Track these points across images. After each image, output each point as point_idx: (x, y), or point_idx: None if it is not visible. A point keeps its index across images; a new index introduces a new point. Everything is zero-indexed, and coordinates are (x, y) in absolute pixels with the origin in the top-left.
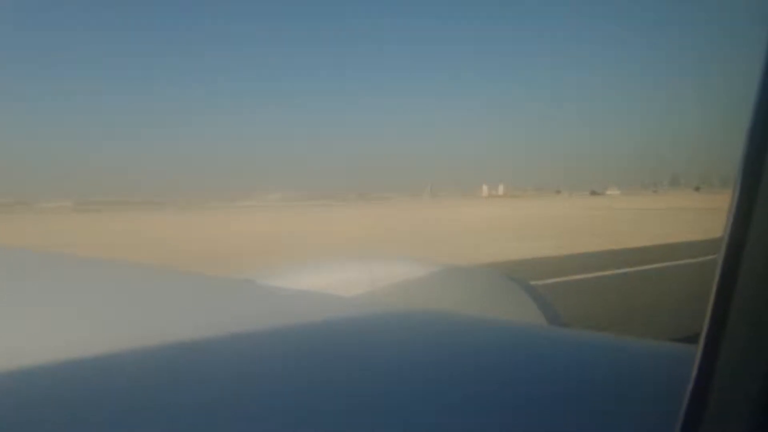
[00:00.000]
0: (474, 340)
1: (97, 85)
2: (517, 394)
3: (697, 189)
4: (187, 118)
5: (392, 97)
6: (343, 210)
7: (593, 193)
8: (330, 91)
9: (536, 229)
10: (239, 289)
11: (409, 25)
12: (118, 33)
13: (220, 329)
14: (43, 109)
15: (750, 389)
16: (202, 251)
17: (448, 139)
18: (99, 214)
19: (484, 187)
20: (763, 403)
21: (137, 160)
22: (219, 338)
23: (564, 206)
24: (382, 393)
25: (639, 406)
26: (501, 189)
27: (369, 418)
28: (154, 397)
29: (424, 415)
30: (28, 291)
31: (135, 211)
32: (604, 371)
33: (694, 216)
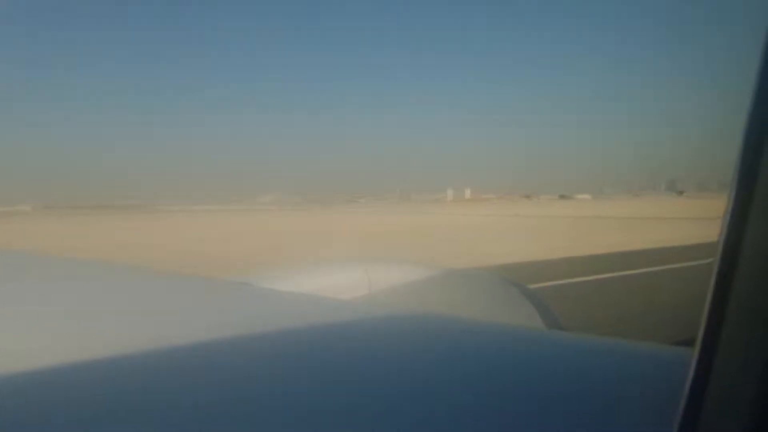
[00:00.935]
0: (472, 343)
1: (84, 86)
2: (515, 397)
3: (680, 193)
4: (171, 119)
5: (370, 102)
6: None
7: (562, 197)
8: (308, 96)
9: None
10: (238, 291)
11: (380, 31)
12: (102, 32)
13: (219, 331)
14: (10, 110)
15: (747, 391)
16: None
17: (431, 142)
18: (60, 219)
19: (449, 191)
20: (760, 405)
21: (119, 163)
22: (217, 340)
23: (493, 212)
24: (380, 395)
25: (636, 409)
26: (468, 193)
27: (367, 421)
28: (151, 399)
29: (422, 417)
30: (25, 293)
31: (105, 215)
32: (602, 374)
33: (583, 226)
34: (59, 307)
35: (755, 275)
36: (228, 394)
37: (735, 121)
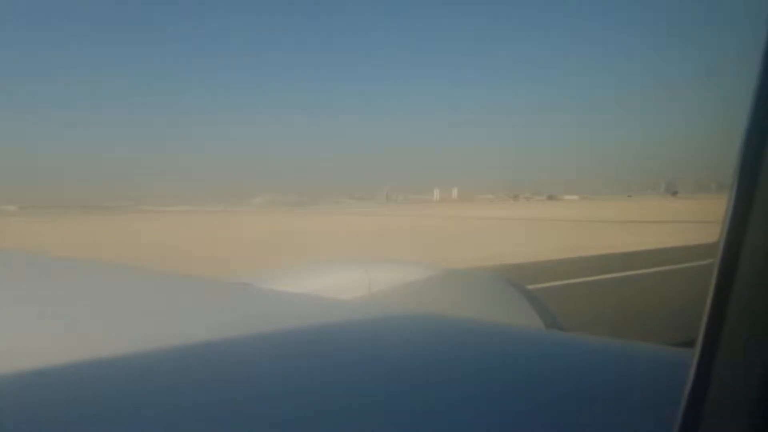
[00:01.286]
0: (472, 344)
1: (71, 85)
2: (515, 397)
3: (674, 194)
4: (161, 119)
5: (359, 103)
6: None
7: (550, 197)
8: (296, 98)
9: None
10: (238, 292)
11: (368, 32)
12: (91, 33)
13: (219, 332)
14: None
15: (747, 393)
16: None
17: (425, 142)
18: (43, 219)
19: (436, 191)
20: (761, 406)
21: (107, 163)
22: (218, 341)
23: (449, 213)
24: (381, 396)
25: (636, 409)
26: (455, 193)
27: (368, 421)
28: (151, 399)
29: (422, 418)
30: (23, 293)
31: (88, 215)
32: (602, 375)
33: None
34: (58, 307)
35: (756, 276)
36: (228, 395)
37: (735, 122)
